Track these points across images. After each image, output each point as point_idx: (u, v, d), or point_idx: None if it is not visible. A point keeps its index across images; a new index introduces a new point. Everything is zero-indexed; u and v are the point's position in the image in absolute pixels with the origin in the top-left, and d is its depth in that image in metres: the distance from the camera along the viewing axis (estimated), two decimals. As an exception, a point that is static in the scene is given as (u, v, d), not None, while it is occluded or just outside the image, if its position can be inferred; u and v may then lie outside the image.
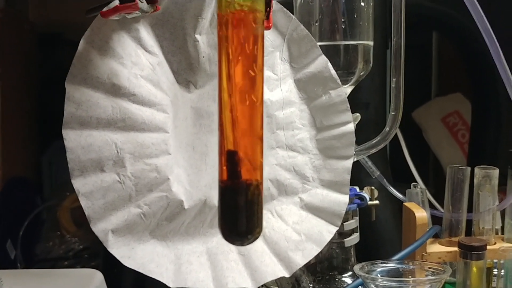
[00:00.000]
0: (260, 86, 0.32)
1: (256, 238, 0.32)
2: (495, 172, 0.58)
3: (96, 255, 0.87)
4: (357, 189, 0.61)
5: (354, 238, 0.59)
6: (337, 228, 0.54)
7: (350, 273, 0.59)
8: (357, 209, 0.60)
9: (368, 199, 0.60)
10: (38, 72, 1.07)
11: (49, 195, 1.01)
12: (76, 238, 0.90)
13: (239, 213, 0.31)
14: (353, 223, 0.59)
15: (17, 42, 0.99)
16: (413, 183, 0.67)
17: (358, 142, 0.57)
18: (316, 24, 0.59)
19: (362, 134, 0.56)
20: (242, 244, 0.32)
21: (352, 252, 0.60)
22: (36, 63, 1.07)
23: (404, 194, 0.68)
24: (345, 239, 0.59)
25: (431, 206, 0.69)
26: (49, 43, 1.09)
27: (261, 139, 0.32)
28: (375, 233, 0.77)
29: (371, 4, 0.60)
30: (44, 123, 1.05)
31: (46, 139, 1.04)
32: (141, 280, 0.61)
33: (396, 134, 0.61)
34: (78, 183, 0.41)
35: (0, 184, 0.90)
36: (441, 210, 0.71)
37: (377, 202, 0.62)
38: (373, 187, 0.62)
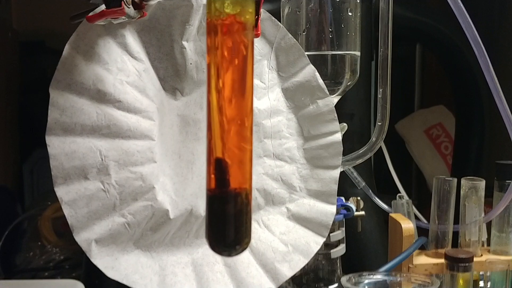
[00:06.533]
0: (250, 94, 0.31)
1: (244, 249, 0.31)
2: (482, 184, 0.58)
3: (77, 266, 0.85)
4: (343, 199, 0.60)
5: (341, 249, 0.59)
6: (324, 239, 0.53)
7: (336, 284, 0.59)
8: (344, 220, 0.59)
9: (354, 209, 0.60)
10: (20, 80, 1.06)
11: (30, 204, 1.00)
12: (57, 249, 0.89)
13: (227, 223, 0.30)
14: (340, 234, 0.58)
15: (0, 50, 0.98)
16: (399, 194, 0.66)
17: (343, 152, 0.57)
18: (303, 33, 0.58)
19: (347, 144, 0.56)
20: (229, 255, 0.31)
21: (338, 264, 0.59)
22: (18, 70, 1.06)
23: (387, 205, 0.67)
24: (332, 250, 0.58)
25: (415, 217, 0.69)
26: (32, 51, 1.08)
27: (250, 147, 0.31)
28: (359, 244, 0.76)
29: (359, 14, 0.60)
30: (26, 131, 1.04)
31: (27, 147, 1.03)
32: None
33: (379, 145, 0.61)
34: (61, 191, 0.40)
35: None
36: (425, 221, 0.71)
37: (363, 213, 0.61)
38: (359, 198, 0.62)
